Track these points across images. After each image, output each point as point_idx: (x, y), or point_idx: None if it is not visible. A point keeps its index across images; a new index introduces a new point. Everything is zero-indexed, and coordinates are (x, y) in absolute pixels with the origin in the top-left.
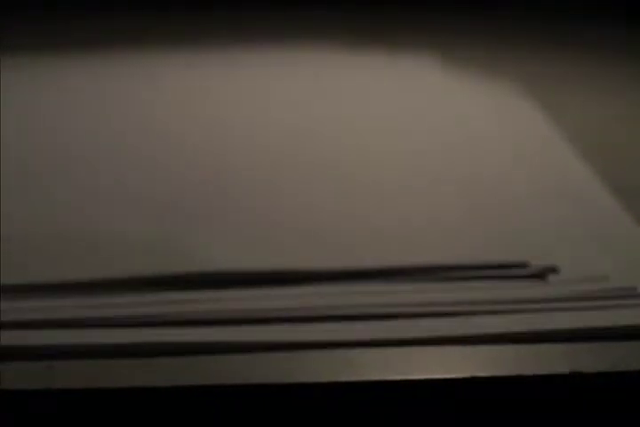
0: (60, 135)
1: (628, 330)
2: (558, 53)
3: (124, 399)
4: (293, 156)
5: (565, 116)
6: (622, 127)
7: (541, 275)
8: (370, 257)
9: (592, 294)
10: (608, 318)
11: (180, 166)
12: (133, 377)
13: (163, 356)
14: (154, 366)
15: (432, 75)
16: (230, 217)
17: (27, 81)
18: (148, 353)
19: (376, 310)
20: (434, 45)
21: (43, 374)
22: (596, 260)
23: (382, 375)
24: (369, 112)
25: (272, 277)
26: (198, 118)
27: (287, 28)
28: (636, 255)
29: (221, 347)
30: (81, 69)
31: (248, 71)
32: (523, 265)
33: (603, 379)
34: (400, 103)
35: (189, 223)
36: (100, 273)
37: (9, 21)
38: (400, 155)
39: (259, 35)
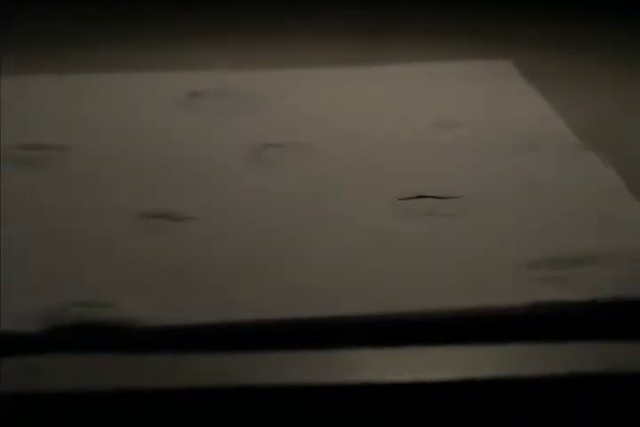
0: None
1: None
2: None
3: (114, 401)
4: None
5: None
6: None
7: None
8: None
9: None
10: None
11: None
12: (124, 378)
13: None
14: (142, 366)
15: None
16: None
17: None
18: None
19: None
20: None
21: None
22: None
23: (379, 377)
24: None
25: None
26: None
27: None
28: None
29: None
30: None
31: None
32: None
33: (603, 379)
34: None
35: None
36: None
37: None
38: None
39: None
